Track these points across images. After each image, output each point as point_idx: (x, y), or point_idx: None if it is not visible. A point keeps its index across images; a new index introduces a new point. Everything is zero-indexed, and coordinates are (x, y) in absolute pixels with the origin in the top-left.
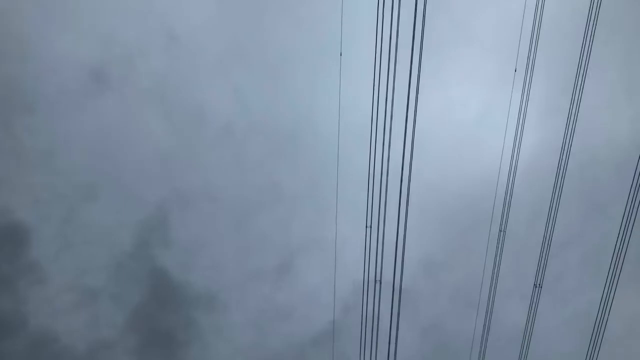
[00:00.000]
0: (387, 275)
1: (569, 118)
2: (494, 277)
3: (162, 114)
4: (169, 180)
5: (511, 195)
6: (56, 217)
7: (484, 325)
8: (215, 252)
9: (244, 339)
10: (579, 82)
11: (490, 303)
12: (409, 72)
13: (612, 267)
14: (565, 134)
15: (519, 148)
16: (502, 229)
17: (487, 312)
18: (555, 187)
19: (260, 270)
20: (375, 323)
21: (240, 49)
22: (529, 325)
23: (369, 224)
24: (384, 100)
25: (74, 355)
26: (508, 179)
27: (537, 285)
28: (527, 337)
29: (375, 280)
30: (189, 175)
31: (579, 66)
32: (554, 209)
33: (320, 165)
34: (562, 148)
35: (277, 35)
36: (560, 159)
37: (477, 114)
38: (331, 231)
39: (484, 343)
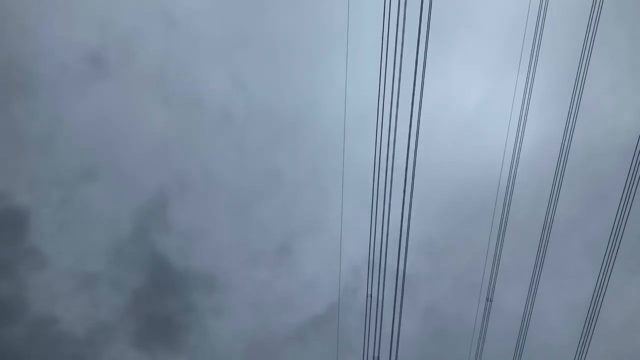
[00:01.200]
0: (390, 260)
1: (571, 106)
2: (495, 265)
3: (161, 99)
4: (168, 166)
5: (513, 183)
6: (55, 202)
7: (484, 310)
8: (215, 237)
9: (244, 323)
10: (582, 70)
11: (491, 290)
12: (414, 59)
13: (607, 256)
14: (567, 122)
15: (522, 134)
16: (504, 219)
17: (487, 299)
18: (556, 175)
19: (260, 255)
20: (374, 306)
21: (241, 34)
22: (528, 309)
23: (374, 211)
24: (389, 88)
25: (74, 339)
26: (510, 167)
27: (536, 279)
28: (524, 325)
29: (379, 275)
30: (188, 161)
31: (582, 53)
32: (554, 197)
33: (322, 152)
34: (564, 135)
35: (278, 21)
36: (562, 146)
37: (479, 100)
38: (332, 217)
39: (483, 328)
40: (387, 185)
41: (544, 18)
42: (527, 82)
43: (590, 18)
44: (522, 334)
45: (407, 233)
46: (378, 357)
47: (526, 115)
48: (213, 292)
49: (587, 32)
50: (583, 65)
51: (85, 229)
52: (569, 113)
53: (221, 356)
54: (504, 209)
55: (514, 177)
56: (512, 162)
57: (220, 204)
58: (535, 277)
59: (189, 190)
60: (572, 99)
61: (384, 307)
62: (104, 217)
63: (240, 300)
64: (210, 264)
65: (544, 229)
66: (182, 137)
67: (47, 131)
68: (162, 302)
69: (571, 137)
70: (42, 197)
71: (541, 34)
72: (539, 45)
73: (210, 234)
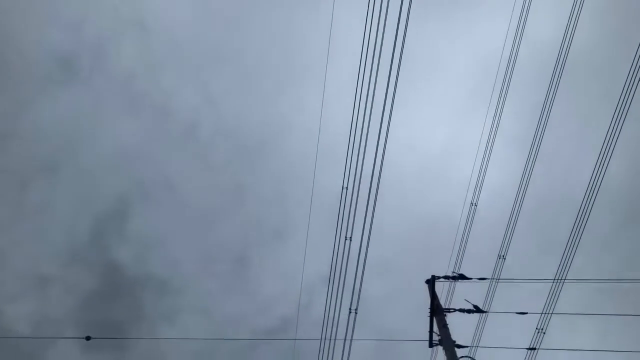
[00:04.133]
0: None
1: (530, 152)
2: (449, 293)
3: (129, 106)
4: (131, 173)
5: (472, 220)
6: (11, 201)
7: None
8: (172, 248)
9: (195, 334)
10: (544, 117)
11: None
12: (386, 96)
13: (549, 298)
14: (525, 167)
15: (483, 175)
16: (461, 253)
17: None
18: (511, 216)
19: (215, 268)
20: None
21: (216, 50)
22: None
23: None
24: (360, 124)
25: (19, 341)
26: (471, 206)
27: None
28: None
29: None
30: (151, 170)
31: (545, 101)
32: (508, 239)
33: (289, 175)
34: (522, 179)
35: (256, 41)
36: (519, 188)
37: (446, 139)
38: (293, 236)
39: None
40: (351, 210)
41: (513, 64)
42: (492, 126)
43: (555, 68)
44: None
45: (365, 256)
46: None
47: (489, 156)
48: (165, 301)
49: (552, 80)
50: (545, 114)
51: (41, 229)
52: (527, 159)
53: None
54: (461, 244)
55: (473, 215)
56: (472, 201)
57: (180, 216)
58: (486, 308)
59: (149, 200)
60: (532, 145)
61: (338, 325)
62: (60, 219)
63: (192, 310)
64: (164, 274)
65: (496, 265)
66: (147, 146)
67: (8, 127)
68: (113, 309)
69: (528, 181)
70: None
71: (509, 80)
72: (506, 91)
73: (167, 245)
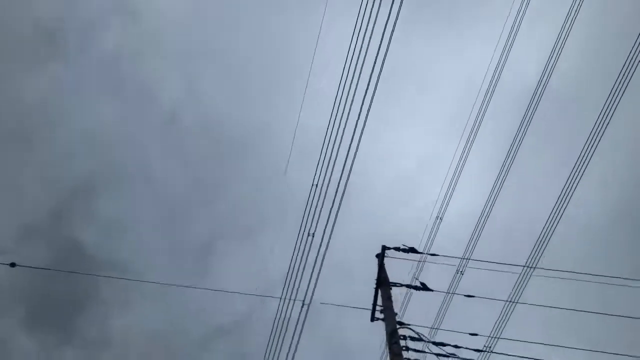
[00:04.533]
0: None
1: (495, 183)
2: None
3: (112, 88)
4: (105, 155)
5: (433, 241)
6: None
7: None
8: (136, 234)
9: (148, 322)
10: (513, 151)
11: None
12: (366, 107)
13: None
14: (489, 197)
15: (449, 198)
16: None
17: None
18: (470, 240)
19: (177, 258)
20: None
21: (205, 44)
22: None
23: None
24: (337, 125)
25: None
26: (432, 227)
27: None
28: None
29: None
30: (125, 154)
31: (517, 134)
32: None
33: (265, 175)
34: (484, 209)
35: (246, 39)
36: (480, 218)
37: (420, 158)
38: (262, 235)
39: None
40: (317, 207)
41: (493, 89)
42: (464, 150)
43: (530, 104)
44: None
45: (325, 251)
46: None
47: (457, 181)
48: (122, 286)
49: (525, 114)
50: (514, 148)
51: (3, 200)
52: (492, 189)
53: (116, 351)
54: (419, 262)
55: (437, 228)
56: (438, 215)
57: (149, 204)
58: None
59: (119, 183)
60: (498, 177)
61: (287, 327)
62: (26, 192)
63: (147, 298)
64: (124, 259)
65: (453, 279)
66: (125, 130)
67: None
68: (65, 289)
69: (489, 212)
70: None
71: (487, 106)
72: (482, 116)
73: (131, 230)
